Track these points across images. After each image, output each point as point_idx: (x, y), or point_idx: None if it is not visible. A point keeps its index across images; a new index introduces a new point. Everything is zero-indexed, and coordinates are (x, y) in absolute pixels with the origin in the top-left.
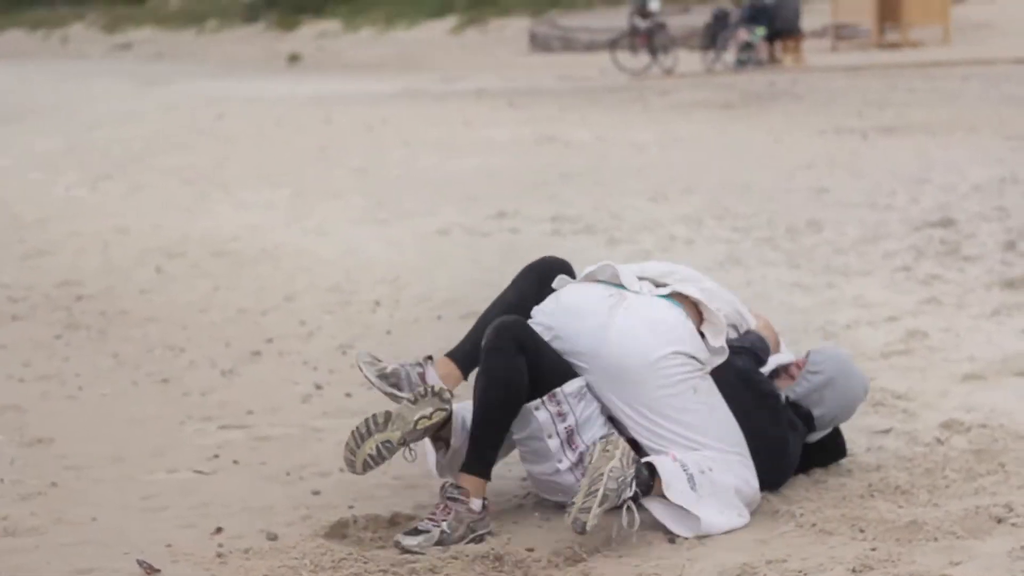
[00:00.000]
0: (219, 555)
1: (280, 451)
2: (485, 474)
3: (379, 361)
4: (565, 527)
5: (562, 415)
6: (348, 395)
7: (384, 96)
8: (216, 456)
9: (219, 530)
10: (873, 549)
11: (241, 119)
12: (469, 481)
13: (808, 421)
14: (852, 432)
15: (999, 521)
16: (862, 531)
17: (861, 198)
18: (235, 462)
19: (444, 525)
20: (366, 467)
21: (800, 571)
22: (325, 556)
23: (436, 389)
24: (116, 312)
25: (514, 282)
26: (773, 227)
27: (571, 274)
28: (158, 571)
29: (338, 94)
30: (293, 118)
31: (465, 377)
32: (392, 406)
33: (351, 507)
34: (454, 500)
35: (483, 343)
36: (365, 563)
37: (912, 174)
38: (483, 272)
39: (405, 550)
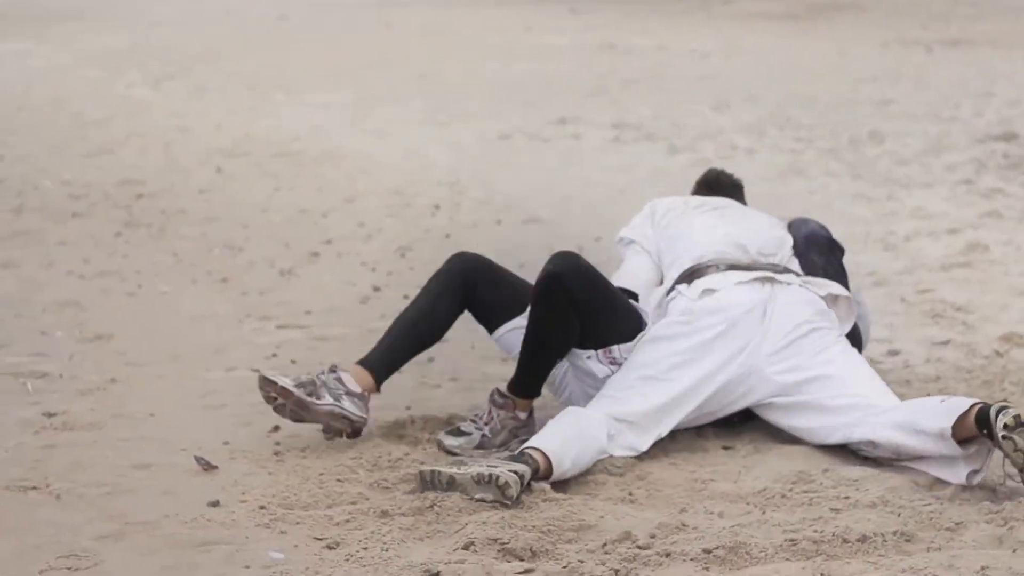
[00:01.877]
0: (276, 453)
1: (338, 352)
2: (531, 395)
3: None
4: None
5: (616, 364)
6: (406, 297)
7: (444, 0)
8: (274, 355)
9: (276, 428)
10: None
11: (303, 21)
12: (516, 399)
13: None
14: (911, 343)
15: None
16: None
17: (924, 110)
18: (293, 362)
19: (487, 429)
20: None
21: (855, 480)
22: (382, 456)
23: (501, 482)
24: (176, 211)
25: (427, 289)
26: (836, 138)
27: (489, 270)
28: (215, 467)
29: None
30: (355, 21)
31: (378, 388)
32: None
33: (408, 408)
34: (500, 407)
35: (544, 274)
36: (421, 463)
37: (976, 87)
38: (544, 177)
39: (446, 450)
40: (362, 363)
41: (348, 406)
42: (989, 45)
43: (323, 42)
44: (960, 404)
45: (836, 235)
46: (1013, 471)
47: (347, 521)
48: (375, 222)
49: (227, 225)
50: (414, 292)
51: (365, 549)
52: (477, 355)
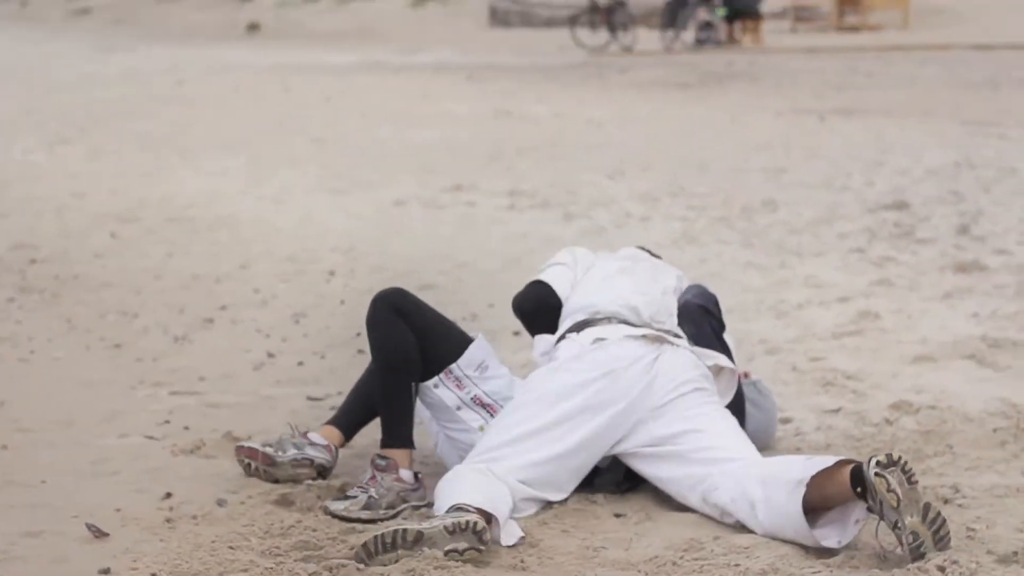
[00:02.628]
0: (168, 520)
1: (231, 418)
2: (406, 444)
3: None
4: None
5: (463, 388)
6: (300, 364)
7: (343, 67)
8: (167, 422)
9: (168, 495)
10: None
11: (200, 86)
12: (398, 454)
13: None
14: (802, 411)
15: (946, 502)
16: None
17: (817, 179)
18: (186, 428)
19: (372, 491)
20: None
21: (746, 547)
22: (274, 523)
23: (478, 528)
24: (70, 276)
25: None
26: (728, 206)
27: (412, 301)
28: (107, 535)
29: (297, 64)
30: (252, 87)
31: (347, 439)
32: None
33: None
34: (381, 469)
35: (366, 319)
36: (314, 531)
37: (868, 156)
38: (439, 244)
39: (332, 515)
40: (328, 423)
41: (311, 452)
42: (882, 114)
43: (220, 107)
44: (827, 460)
45: (727, 303)
46: (891, 545)
47: None
48: (270, 288)
49: (121, 291)
50: (309, 358)
51: None
52: (372, 425)
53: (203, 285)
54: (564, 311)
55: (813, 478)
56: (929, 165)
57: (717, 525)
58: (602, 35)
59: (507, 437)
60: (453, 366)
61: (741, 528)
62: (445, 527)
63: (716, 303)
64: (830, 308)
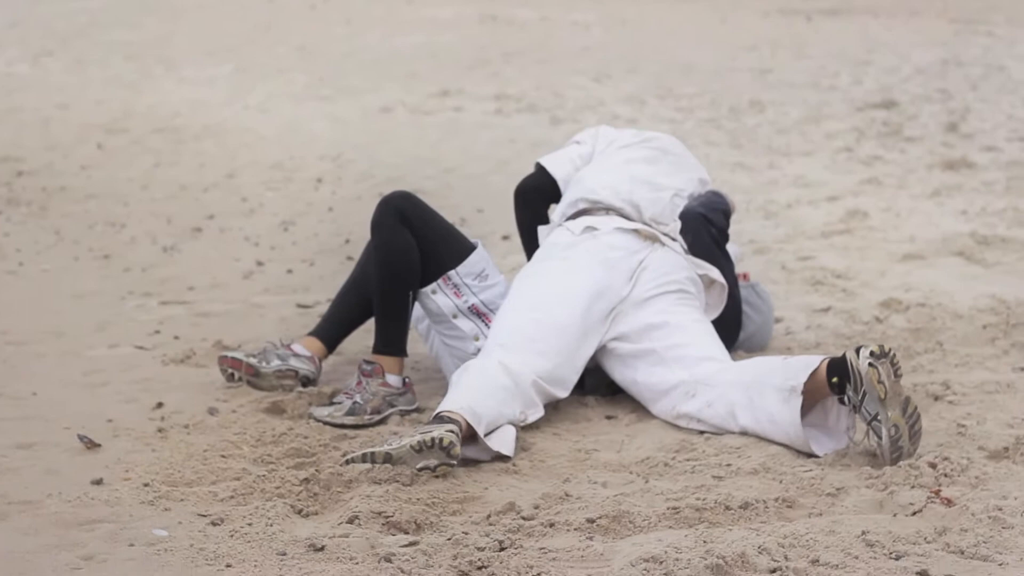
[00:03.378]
0: (160, 430)
1: (221, 327)
2: (398, 350)
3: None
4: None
5: (461, 295)
6: (289, 271)
7: None
8: (157, 332)
9: (160, 405)
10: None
11: None
12: (383, 360)
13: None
14: (792, 310)
15: (936, 399)
16: None
17: (804, 79)
18: (176, 337)
19: (357, 396)
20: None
21: (737, 447)
22: (265, 431)
23: (445, 443)
24: (57, 188)
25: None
26: (716, 107)
27: (418, 206)
28: (98, 445)
29: None
30: None
31: (330, 351)
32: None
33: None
34: (368, 374)
35: (371, 221)
36: (305, 438)
37: (855, 56)
38: (426, 149)
39: (316, 419)
40: (311, 333)
41: (295, 363)
42: (868, 14)
43: (204, 16)
44: (810, 360)
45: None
46: (859, 439)
47: (231, 497)
48: (257, 197)
49: (108, 202)
50: (297, 266)
51: (250, 525)
52: (363, 330)
53: (190, 195)
54: (569, 194)
55: (805, 384)
56: (916, 63)
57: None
58: None
59: (519, 326)
60: (452, 272)
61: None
62: (412, 446)
63: (725, 213)
64: (819, 207)
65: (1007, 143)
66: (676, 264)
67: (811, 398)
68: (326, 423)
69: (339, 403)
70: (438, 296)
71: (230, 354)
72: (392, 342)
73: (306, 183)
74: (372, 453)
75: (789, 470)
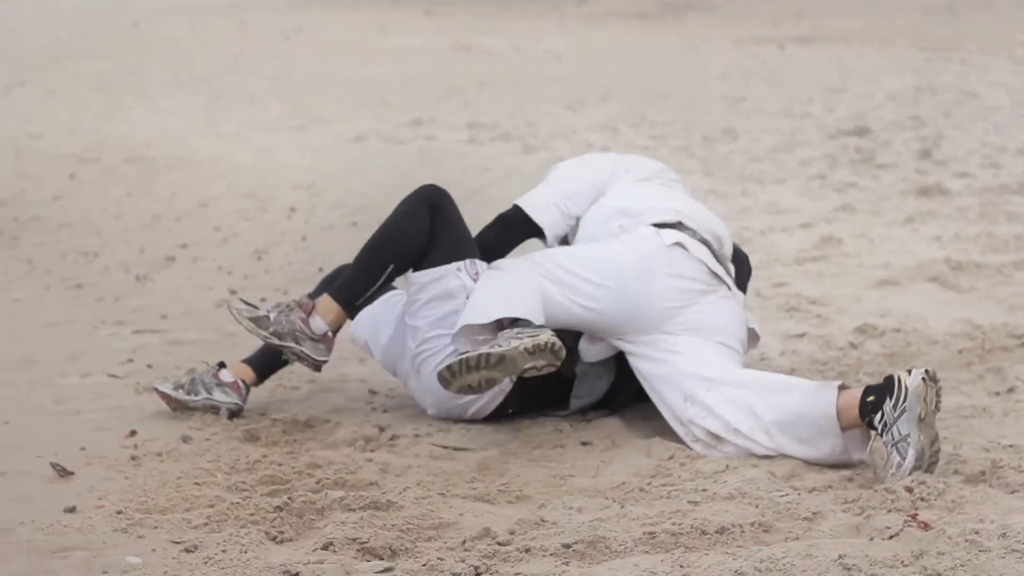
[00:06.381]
0: (133, 458)
1: (194, 355)
2: (344, 302)
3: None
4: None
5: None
6: (263, 300)
7: (299, 3)
8: (130, 360)
9: (133, 433)
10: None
11: (155, 26)
12: (326, 303)
13: None
14: (766, 336)
15: None
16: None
17: (777, 107)
18: (149, 366)
19: (272, 314)
20: (461, 390)
21: (713, 472)
22: (239, 459)
23: (555, 347)
24: (29, 218)
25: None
26: (689, 135)
27: (449, 203)
28: (71, 473)
29: (253, 1)
30: (208, 25)
31: (260, 380)
32: None
33: (262, 413)
34: (299, 306)
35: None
36: (280, 465)
37: (828, 83)
38: (399, 179)
39: (228, 308)
40: (244, 360)
41: (219, 397)
42: (841, 42)
43: (176, 46)
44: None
45: None
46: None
47: (205, 524)
48: (230, 226)
49: (81, 231)
50: (271, 295)
51: (224, 552)
52: (335, 356)
53: (163, 224)
54: (636, 204)
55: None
56: (889, 91)
57: (683, 452)
58: None
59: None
60: (479, 261)
61: (705, 454)
62: (526, 349)
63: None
64: (793, 234)
65: (980, 169)
66: (734, 313)
67: (843, 418)
68: (230, 309)
69: (256, 308)
70: (461, 274)
71: (160, 387)
72: (343, 291)
73: (279, 212)
74: (489, 355)
75: (765, 495)
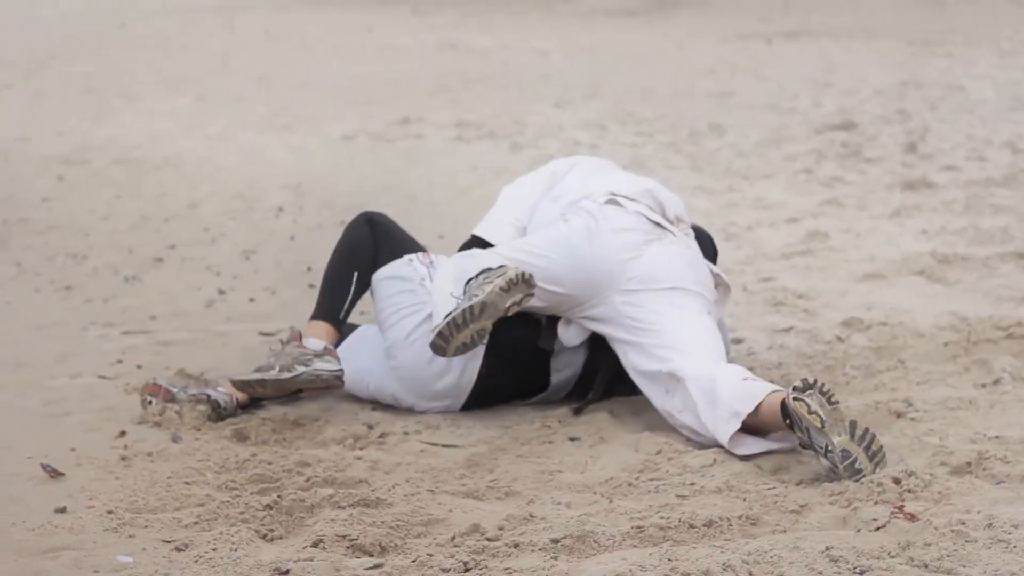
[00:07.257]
0: (123, 458)
1: (184, 356)
2: (328, 317)
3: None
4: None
5: (434, 268)
6: (252, 300)
7: (286, 3)
8: (120, 361)
9: (123, 433)
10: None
11: (143, 28)
12: (312, 326)
13: None
14: (753, 331)
15: (898, 416)
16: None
17: (763, 102)
18: (139, 367)
19: (269, 359)
20: (458, 352)
21: (701, 467)
22: (229, 458)
23: (526, 276)
24: (17, 220)
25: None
26: (676, 131)
27: (385, 220)
28: (62, 474)
29: (240, 2)
30: (195, 26)
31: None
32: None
33: (252, 412)
34: (286, 342)
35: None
36: (269, 463)
37: (815, 78)
38: (387, 177)
39: (232, 380)
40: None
41: (210, 391)
42: (827, 36)
43: (163, 48)
44: (764, 389)
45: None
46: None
47: (195, 523)
48: (219, 226)
49: (69, 233)
50: (260, 295)
51: (214, 550)
52: None
53: (152, 225)
54: (568, 195)
55: (750, 414)
56: (875, 85)
57: (671, 447)
58: None
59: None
60: (431, 252)
61: (693, 445)
62: (500, 288)
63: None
64: (779, 229)
65: (966, 162)
66: (686, 261)
67: (770, 428)
68: (233, 380)
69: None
70: (414, 264)
71: (151, 381)
72: (322, 308)
73: (267, 212)
74: (470, 307)
75: (753, 488)
